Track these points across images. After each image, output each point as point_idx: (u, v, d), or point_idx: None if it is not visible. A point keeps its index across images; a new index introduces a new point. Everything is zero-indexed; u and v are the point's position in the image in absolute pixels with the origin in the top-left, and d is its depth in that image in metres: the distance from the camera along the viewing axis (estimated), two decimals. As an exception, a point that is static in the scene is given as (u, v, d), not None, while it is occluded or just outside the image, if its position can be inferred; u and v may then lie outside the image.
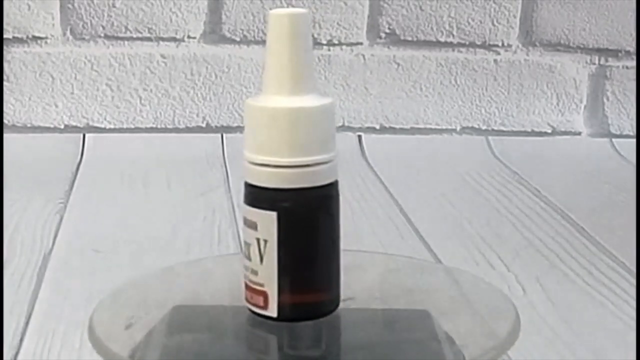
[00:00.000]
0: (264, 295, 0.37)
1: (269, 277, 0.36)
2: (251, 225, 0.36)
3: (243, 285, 0.37)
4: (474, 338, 0.38)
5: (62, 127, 0.84)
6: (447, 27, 0.87)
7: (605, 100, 0.92)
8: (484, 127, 0.90)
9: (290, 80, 0.36)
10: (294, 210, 0.36)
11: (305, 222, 0.36)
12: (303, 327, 0.37)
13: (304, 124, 0.36)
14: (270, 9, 0.36)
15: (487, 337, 0.38)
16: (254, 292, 0.37)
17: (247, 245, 0.36)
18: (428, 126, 0.89)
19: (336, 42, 0.86)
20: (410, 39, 0.87)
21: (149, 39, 0.84)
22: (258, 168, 0.37)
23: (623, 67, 0.91)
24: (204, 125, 0.86)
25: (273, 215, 0.36)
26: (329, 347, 0.38)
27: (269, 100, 0.36)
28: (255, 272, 0.36)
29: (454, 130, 0.90)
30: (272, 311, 0.37)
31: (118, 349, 0.35)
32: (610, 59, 0.91)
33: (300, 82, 0.36)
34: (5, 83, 0.82)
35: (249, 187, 0.37)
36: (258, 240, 0.36)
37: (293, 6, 0.84)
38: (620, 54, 0.91)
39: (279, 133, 0.36)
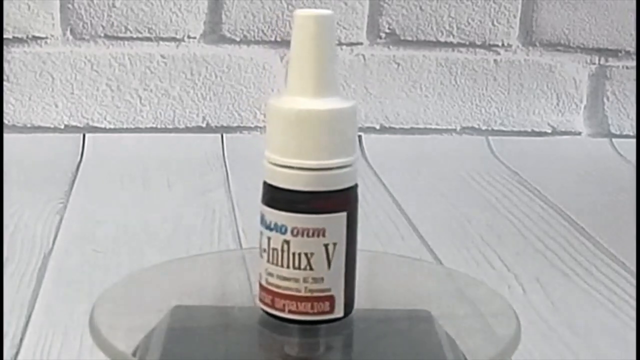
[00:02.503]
0: (331, 299, 0.36)
1: (336, 280, 0.36)
2: (315, 233, 0.36)
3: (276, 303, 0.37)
4: (475, 340, 0.38)
5: (62, 127, 0.84)
6: (447, 27, 0.87)
7: (605, 100, 0.92)
8: (484, 127, 0.90)
9: (314, 82, 0.35)
10: (354, 209, 0.37)
11: (355, 219, 0.37)
12: (305, 328, 0.37)
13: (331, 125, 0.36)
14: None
15: (490, 342, 0.38)
16: (318, 300, 0.36)
17: (305, 255, 0.36)
18: (428, 126, 0.89)
19: (336, 42, 0.86)
20: (410, 39, 0.87)
21: (149, 39, 0.84)
22: (325, 173, 0.36)
23: (623, 67, 0.91)
24: (204, 125, 0.86)
25: (343, 216, 0.36)
26: (329, 347, 0.38)
27: (323, 103, 0.35)
28: (319, 280, 0.36)
29: (454, 130, 0.90)
30: (339, 312, 0.37)
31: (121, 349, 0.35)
32: (610, 59, 0.91)
33: (324, 84, 0.36)
34: (5, 83, 0.82)
35: (309, 194, 0.36)
36: (326, 246, 0.36)
37: (293, 6, 0.84)
38: (620, 54, 0.91)
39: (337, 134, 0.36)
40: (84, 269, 0.55)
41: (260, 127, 0.86)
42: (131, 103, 0.84)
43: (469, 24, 0.88)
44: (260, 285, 0.37)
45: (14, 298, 0.50)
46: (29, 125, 0.83)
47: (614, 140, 0.91)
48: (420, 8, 0.87)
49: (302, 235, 0.36)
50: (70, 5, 0.82)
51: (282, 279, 0.36)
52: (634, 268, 0.58)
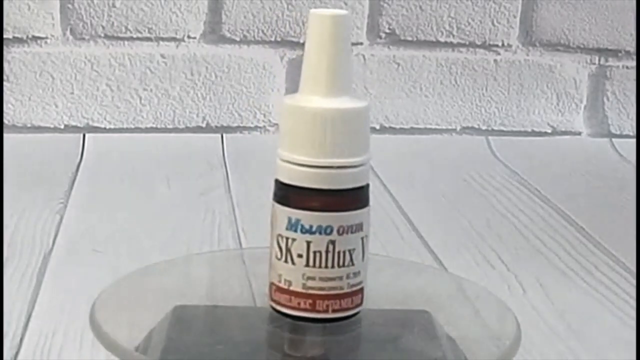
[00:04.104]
0: (362, 291, 0.37)
1: (365, 271, 0.37)
2: (356, 228, 0.36)
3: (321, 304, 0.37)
4: (475, 340, 0.38)
5: (62, 127, 0.84)
6: (447, 27, 0.87)
7: (605, 100, 0.92)
8: (484, 127, 0.90)
9: (328, 81, 0.36)
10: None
11: None
12: (304, 326, 0.37)
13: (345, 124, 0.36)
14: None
15: (491, 344, 0.38)
16: (355, 293, 0.37)
17: (349, 252, 0.36)
18: (428, 126, 0.89)
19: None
20: (410, 39, 0.87)
21: (149, 39, 0.84)
22: (361, 169, 0.37)
23: (623, 67, 0.91)
24: (204, 125, 0.86)
25: (369, 208, 0.37)
26: (329, 347, 0.38)
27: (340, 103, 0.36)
28: (357, 274, 0.37)
29: (454, 130, 0.90)
30: (364, 302, 0.37)
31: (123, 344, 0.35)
32: (610, 59, 0.91)
33: (338, 83, 0.36)
34: (5, 83, 0.82)
35: (351, 191, 0.36)
36: (362, 239, 0.37)
37: (293, 6, 0.84)
38: (620, 54, 0.91)
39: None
40: (84, 269, 0.55)
41: (260, 127, 0.86)
42: (131, 103, 0.84)
43: (469, 24, 0.88)
44: (290, 291, 0.36)
45: (14, 298, 0.50)
46: (29, 125, 0.83)
47: (614, 140, 0.91)
48: (420, 8, 0.87)
49: (347, 233, 0.36)
50: (70, 5, 0.82)
51: (325, 280, 0.36)
52: (634, 268, 0.58)
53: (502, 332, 0.38)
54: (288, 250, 0.36)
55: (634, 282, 0.56)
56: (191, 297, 0.41)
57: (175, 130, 0.85)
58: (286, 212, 0.36)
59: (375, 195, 0.72)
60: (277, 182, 0.37)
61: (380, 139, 0.87)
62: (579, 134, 0.92)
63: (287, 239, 0.36)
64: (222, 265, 0.45)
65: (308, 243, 0.36)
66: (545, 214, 0.69)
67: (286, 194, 0.36)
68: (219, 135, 0.85)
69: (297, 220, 0.36)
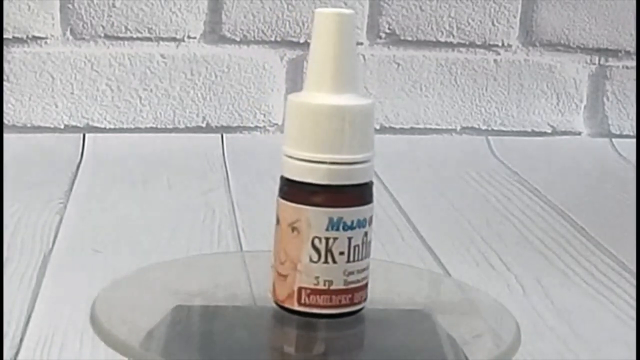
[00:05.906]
0: (367, 285, 0.38)
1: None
2: (371, 220, 0.37)
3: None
4: (475, 340, 0.38)
5: (62, 127, 0.84)
6: (447, 27, 0.87)
7: (605, 100, 0.92)
8: (484, 127, 0.90)
9: (332, 79, 0.36)
10: None
11: None
12: (307, 324, 0.37)
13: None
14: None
15: (491, 344, 0.38)
16: (365, 286, 0.37)
17: (368, 244, 0.37)
18: (428, 126, 0.89)
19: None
20: (410, 39, 0.87)
21: (149, 39, 0.84)
22: (366, 165, 0.37)
23: (623, 67, 0.91)
24: (204, 125, 0.86)
25: (373, 204, 0.37)
26: (328, 346, 0.38)
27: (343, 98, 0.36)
28: (369, 266, 0.37)
29: (454, 130, 0.90)
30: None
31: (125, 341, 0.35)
32: (610, 59, 0.91)
33: (343, 80, 0.36)
34: (5, 83, 0.82)
35: (370, 184, 0.37)
36: (371, 232, 0.37)
37: (293, 6, 0.84)
38: (620, 54, 0.91)
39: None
40: (84, 269, 0.55)
41: (260, 127, 0.86)
42: (131, 103, 0.84)
43: (469, 24, 0.88)
44: (331, 291, 0.36)
45: (14, 298, 0.50)
46: (29, 125, 0.83)
47: (614, 140, 0.91)
48: (420, 8, 0.87)
49: (372, 223, 0.37)
50: (70, 5, 0.82)
51: (361, 272, 0.37)
52: (634, 268, 0.58)
53: (502, 332, 0.38)
54: (329, 250, 0.36)
55: (634, 282, 0.56)
56: (191, 297, 0.41)
57: (175, 130, 0.85)
58: (326, 213, 0.36)
59: (375, 195, 0.73)
60: (309, 184, 0.36)
61: (380, 139, 0.87)
62: (579, 134, 0.92)
63: (327, 239, 0.36)
64: (222, 266, 0.45)
65: (349, 239, 0.36)
66: (545, 214, 0.69)
67: (324, 195, 0.36)
68: (219, 135, 0.85)
69: (340, 219, 0.36)
